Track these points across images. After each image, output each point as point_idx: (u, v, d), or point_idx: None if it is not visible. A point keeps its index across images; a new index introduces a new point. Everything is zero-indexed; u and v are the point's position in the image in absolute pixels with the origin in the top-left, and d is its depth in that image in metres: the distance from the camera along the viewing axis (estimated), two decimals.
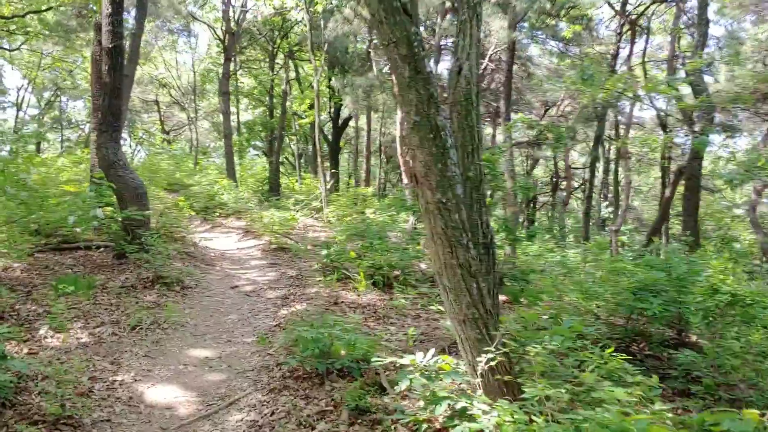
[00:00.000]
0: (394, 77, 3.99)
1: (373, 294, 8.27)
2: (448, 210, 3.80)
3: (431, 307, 7.74)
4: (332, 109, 32.80)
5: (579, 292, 6.60)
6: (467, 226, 3.86)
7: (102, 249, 11.73)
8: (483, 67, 27.55)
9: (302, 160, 39.19)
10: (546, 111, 35.44)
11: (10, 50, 33.20)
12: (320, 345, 5.16)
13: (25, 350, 6.19)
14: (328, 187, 20.51)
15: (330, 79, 32.09)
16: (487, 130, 39.63)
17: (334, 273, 9.46)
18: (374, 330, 6.75)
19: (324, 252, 9.49)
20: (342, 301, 7.96)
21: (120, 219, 10.88)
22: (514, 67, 28.83)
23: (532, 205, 39.50)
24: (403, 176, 23.68)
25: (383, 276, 8.61)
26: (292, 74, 31.29)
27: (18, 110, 42.03)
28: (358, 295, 8.30)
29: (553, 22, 27.16)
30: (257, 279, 10.38)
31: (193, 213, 16.62)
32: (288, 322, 7.22)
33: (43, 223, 11.61)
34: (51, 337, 6.53)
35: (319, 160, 20.08)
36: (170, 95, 44.70)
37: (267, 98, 31.34)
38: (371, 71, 20.31)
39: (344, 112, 33.05)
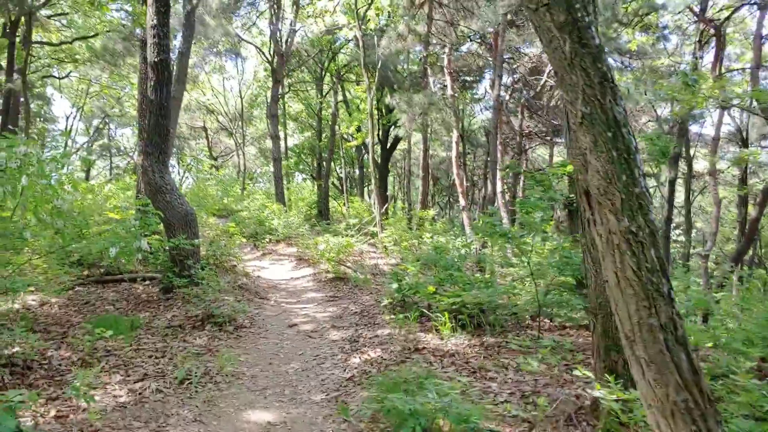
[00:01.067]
0: (550, 56, 2.80)
1: (460, 338, 6.99)
2: (641, 244, 2.55)
3: (524, 362, 6.45)
4: (380, 131, 31.89)
5: None
6: (665, 267, 2.60)
7: (148, 282, 10.78)
8: (541, 83, 26.20)
9: (347, 184, 38.35)
10: None
11: (59, 78, 33.32)
12: (421, 422, 3.92)
13: (53, 412, 5.13)
14: (383, 210, 19.39)
15: (377, 101, 31.30)
16: (539, 151, 38.18)
17: (406, 310, 8.25)
18: (471, 388, 5.48)
19: (394, 285, 8.27)
20: (423, 348, 6.70)
21: (167, 248, 9.92)
22: None
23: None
24: (460, 199, 22.42)
25: (469, 315, 7.33)
26: (340, 96, 30.47)
27: (68, 138, 42.29)
28: (442, 339, 7.04)
29: (614, 35, 25.78)
30: (317, 315, 9.23)
31: (243, 240, 15.64)
32: (363, 376, 6.02)
33: (85, 254, 10.66)
34: (83, 395, 5.46)
35: (373, 182, 18.97)
36: (218, 121, 44.60)
37: (314, 121, 30.56)
38: (426, 88, 19.21)
39: (392, 134, 32.19)
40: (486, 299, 7.04)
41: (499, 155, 22.79)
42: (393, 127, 34.10)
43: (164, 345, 7.02)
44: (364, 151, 35.42)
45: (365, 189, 44.65)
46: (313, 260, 14.15)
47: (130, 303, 9.41)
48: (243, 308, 8.31)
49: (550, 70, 24.86)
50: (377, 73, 19.64)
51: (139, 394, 5.56)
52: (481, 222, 8.18)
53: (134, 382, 5.82)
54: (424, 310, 7.85)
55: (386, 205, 21.18)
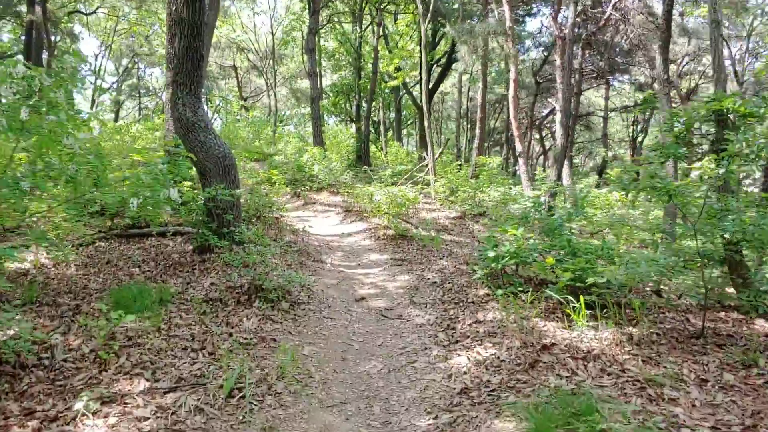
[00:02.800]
0: None
1: (599, 329, 5.18)
2: None
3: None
4: (423, 69, 29.59)
5: None
6: None
7: (180, 237, 9.14)
8: (606, 17, 23.68)
9: (381, 128, 36.31)
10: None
11: (86, 14, 31.58)
12: None
13: None
14: (437, 156, 17.45)
15: (420, 37, 28.88)
16: (587, 93, 35.65)
17: (507, 285, 6.47)
18: (651, 417, 3.71)
19: (490, 253, 6.45)
20: (553, 344, 4.92)
21: (203, 199, 8.22)
22: (638, 17, 24.90)
23: None
24: (517, 144, 20.36)
25: (607, 301, 5.50)
26: (381, 30, 28.15)
27: (96, 78, 40.81)
28: (571, 330, 5.24)
29: None
30: (387, 285, 7.49)
31: (288, 190, 13.91)
32: (482, 388, 4.28)
33: (107, 203, 8.97)
34: (93, 413, 3.82)
35: (426, 124, 17.00)
36: (248, 60, 42.66)
37: (352, 58, 28.38)
38: (488, 17, 17.00)
39: (434, 73, 29.95)
40: (628, 276, 5.18)
41: (560, 96, 20.63)
42: (435, 65, 31.86)
43: (202, 330, 5.34)
44: (403, 90, 33.23)
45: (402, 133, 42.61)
46: (365, 213, 12.39)
47: (159, 264, 7.77)
48: (298, 278, 6.57)
49: (616, 1, 22.35)
50: (431, 4, 17.40)
51: (172, 413, 3.89)
52: (624, 172, 6.27)
53: (164, 393, 4.14)
54: (548, 292, 6.01)
55: (441, 151, 19.22)
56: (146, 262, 7.82)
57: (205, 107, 8.45)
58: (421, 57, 28.91)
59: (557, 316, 5.69)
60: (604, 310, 5.56)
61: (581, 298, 5.32)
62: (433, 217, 12.84)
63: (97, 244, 8.67)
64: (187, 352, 4.88)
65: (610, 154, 36.41)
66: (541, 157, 41.61)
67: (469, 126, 40.75)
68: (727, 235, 5.53)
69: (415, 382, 4.62)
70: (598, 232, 14.03)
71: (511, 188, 15.69)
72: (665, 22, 14.51)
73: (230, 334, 5.28)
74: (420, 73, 29.81)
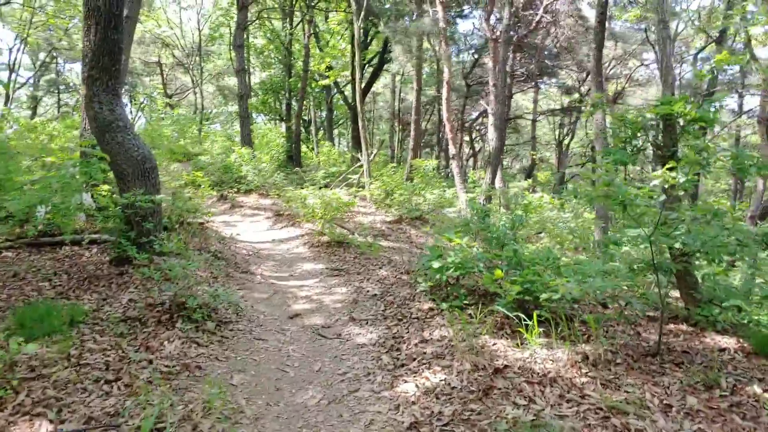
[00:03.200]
0: None
1: (552, 348, 4.85)
2: None
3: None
4: (355, 69, 29.15)
5: None
6: None
7: (96, 246, 8.38)
8: (537, 19, 23.85)
9: (311, 127, 35.70)
10: (587, 75, 31.88)
11: None
12: None
13: None
14: (371, 158, 17.03)
15: (353, 35, 28.44)
16: (516, 96, 36.00)
17: (453, 298, 6.10)
18: None
19: (434, 264, 6.05)
20: (506, 366, 4.55)
21: (120, 205, 7.52)
22: (568, 20, 25.21)
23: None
24: (450, 146, 20.21)
25: (558, 315, 5.19)
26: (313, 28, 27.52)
27: (11, 72, 38.47)
28: (522, 349, 4.89)
29: None
30: (323, 299, 6.99)
31: (213, 194, 13.19)
32: (433, 421, 3.86)
33: (14, 209, 8.15)
34: None
35: (360, 125, 16.55)
36: (173, 56, 41.22)
37: (282, 56, 27.65)
38: (422, 17, 16.71)
39: (366, 73, 29.54)
40: (589, 291, 4.89)
41: (492, 98, 20.61)
42: (368, 65, 31.43)
43: (118, 356, 4.72)
44: (335, 90, 32.71)
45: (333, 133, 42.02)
46: (298, 218, 11.85)
47: (72, 277, 7.03)
48: (225, 295, 5.99)
49: (547, 4, 22.55)
50: (364, 2, 16.96)
51: None
52: (586, 180, 5.99)
53: None
54: (496, 306, 5.65)
55: (375, 153, 18.81)
56: (58, 275, 7.06)
57: (124, 105, 7.72)
58: (354, 56, 28.50)
59: (507, 333, 5.34)
60: (557, 327, 5.25)
61: (534, 315, 4.99)
62: (370, 221, 12.43)
63: (3, 254, 7.84)
64: (99, 384, 4.26)
65: (538, 156, 36.94)
66: (471, 159, 41.83)
67: (400, 127, 40.58)
68: (678, 245, 5.32)
69: (359, 415, 4.16)
70: (536, 234, 13.96)
71: (445, 191, 15.45)
72: (599, 24, 14.57)
73: (150, 362, 4.69)
74: (352, 73, 29.40)
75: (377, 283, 7.30)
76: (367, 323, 5.99)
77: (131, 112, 49.70)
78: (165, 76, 44.05)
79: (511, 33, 25.73)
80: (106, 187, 8.14)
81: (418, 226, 12.50)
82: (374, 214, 13.50)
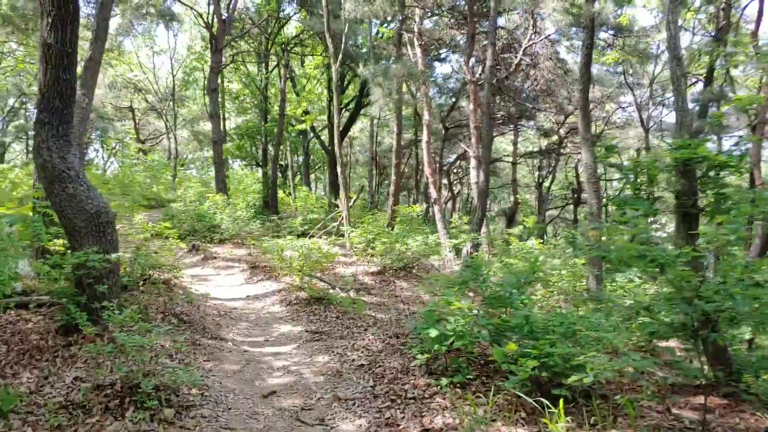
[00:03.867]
0: None
1: None
2: None
3: None
4: (332, 114, 28.67)
5: None
6: None
7: (45, 309, 7.41)
8: (517, 61, 23.55)
9: (288, 172, 35.00)
10: (566, 117, 31.74)
11: None
12: None
13: None
14: (351, 204, 16.26)
15: (330, 79, 28.00)
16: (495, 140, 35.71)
17: (457, 374, 5.25)
18: None
19: (431, 332, 5.22)
20: None
21: (69, 266, 6.62)
22: (547, 62, 25.00)
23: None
24: (431, 190, 19.55)
25: (575, 392, 4.38)
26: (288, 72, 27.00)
27: None
28: None
29: None
30: (302, 371, 6.08)
31: (182, 246, 12.28)
32: None
33: None
34: None
35: (339, 170, 15.81)
36: (146, 101, 40.49)
37: (258, 100, 27.05)
38: (401, 59, 16.19)
39: (343, 117, 29.00)
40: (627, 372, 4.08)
41: (473, 141, 20.06)
42: (344, 109, 30.95)
43: None
44: (311, 134, 32.15)
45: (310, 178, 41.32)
46: (275, 271, 10.97)
47: (12, 349, 6.07)
48: (191, 378, 5.07)
49: (526, 47, 22.25)
50: (343, 41, 16.42)
51: None
52: (593, 236, 5.24)
53: None
54: (507, 384, 4.80)
55: (355, 198, 18.06)
56: None
57: (76, 153, 6.89)
58: (331, 99, 28.02)
59: (522, 418, 4.50)
60: (584, 409, 4.43)
61: (559, 399, 4.16)
62: (351, 272, 11.58)
63: None
64: None
65: (512, 199, 36.46)
66: (450, 202, 41.28)
67: (376, 171, 40.00)
68: (706, 308, 4.57)
69: None
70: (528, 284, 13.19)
71: (427, 236, 14.70)
72: (585, 65, 14.14)
73: None
74: (329, 117, 28.89)
75: (363, 350, 6.43)
76: (354, 404, 5.09)
77: (103, 157, 48.67)
78: (137, 121, 43.22)
79: (489, 76, 25.51)
80: (61, 242, 7.27)
81: (403, 278, 11.68)
82: (355, 264, 12.67)
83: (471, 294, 6.98)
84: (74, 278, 6.57)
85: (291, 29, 30.41)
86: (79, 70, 7.57)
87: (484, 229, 19.01)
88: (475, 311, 5.34)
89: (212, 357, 6.25)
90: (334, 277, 10.98)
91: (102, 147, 48.39)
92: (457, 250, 15.53)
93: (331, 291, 9.59)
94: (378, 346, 6.46)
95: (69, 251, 6.83)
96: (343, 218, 15.52)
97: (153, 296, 8.02)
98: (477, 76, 20.31)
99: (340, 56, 16.23)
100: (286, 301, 9.08)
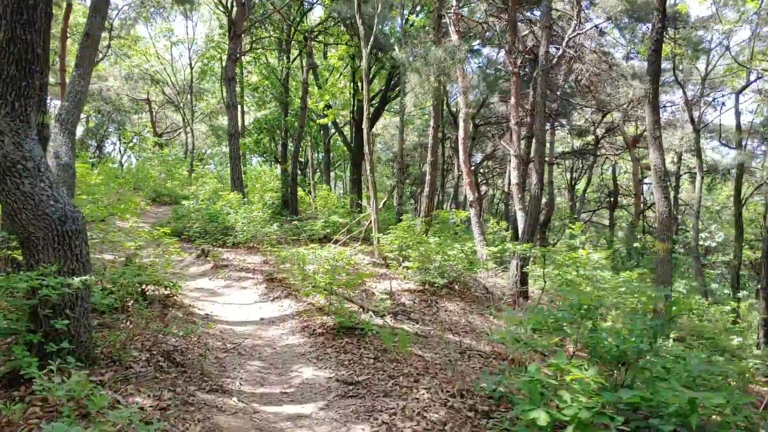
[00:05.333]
0: None
1: None
2: None
3: None
4: (354, 108, 26.94)
5: None
6: None
7: None
8: (559, 53, 21.60)
9: (308, 169, 33.36)
10: (604, 116, 29.80)
11: None
12: None
13: None
14: (380, 207, 14.44)
15: (354, 71, 26.26)
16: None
17: None
18: None
19: (536, 415, 3.40)
20: None
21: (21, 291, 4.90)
22: (592, 56, 23.10)
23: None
24: (467, 191, 17.69)
25: None
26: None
27: None
28: None
29: None
30: None
31: (185, 256, 10.56)
32: None
33: None
34: None
35: (368, 167, 14.02)
36: (163, 93, 39.11)
37: (278, 92, 25.33)
38: (441, 44, 14.37)
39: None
40: None
41: (515, 138, 18.24)
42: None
43: None
44: (333, 130, 30.48)
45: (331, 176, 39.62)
46: (294, 286, 9.20)
47: None
48: None
49: (570, 38, 20.31)
50: (375, 22, 14.64)
51: None
52: None
53: None
54: None
55: (385, 201, 16.25)
56: None
57: (35, 138, 5.14)
58: (356, 92, 26.27)
59: None
60: None
61: None
62: (385, 288, 9.77)
63: None
64: None
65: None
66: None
67: (399, 170, 38.19)
68: None
69: None
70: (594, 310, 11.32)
71: (463, 244, 12.86)
72: (655, 53, 12.26)
73: None
74: (352, 112, 27.17)
75: (419, 418, 4.62)
76: None
77: (120, 150, 47.31)
78: (154, 114, 41.88)
79: (528, 69, 23.61)
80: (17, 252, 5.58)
81: (446, 297, 9.86)
82: (388, 277, 10.86)
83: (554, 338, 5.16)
84: (28, 309, 4.84)
85: (315, 17, 28.76)
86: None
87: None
88: (599, 384, 3.52)
89: (209, 421, 4.47)
90: (364, 295, 9.19)
91: (119, 140, 47.12)
92: (496, 260, 13.70)
93: (361, 315, 7.80)
94: (440, 414, 4.64)
95: (23, 269, 5.10)
96: (370, 222, 13.73)
97: (142, 322, 6.27)
98: (518, 67, 18.50)
99: (372, 39, 14.44)
100: (308, 330, 7.28)
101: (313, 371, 5.86)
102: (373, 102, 28.11)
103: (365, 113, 14.10)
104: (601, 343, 4.18)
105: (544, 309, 5.09)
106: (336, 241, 14.28)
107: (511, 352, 6.20)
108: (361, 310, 8.03)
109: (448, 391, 5.12)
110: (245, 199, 16.91)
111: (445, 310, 9.06)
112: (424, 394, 5.06)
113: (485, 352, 7.00)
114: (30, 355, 4.50)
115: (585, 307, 4.66)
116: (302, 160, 32.64)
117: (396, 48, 16.19)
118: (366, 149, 14.07)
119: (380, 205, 14.36)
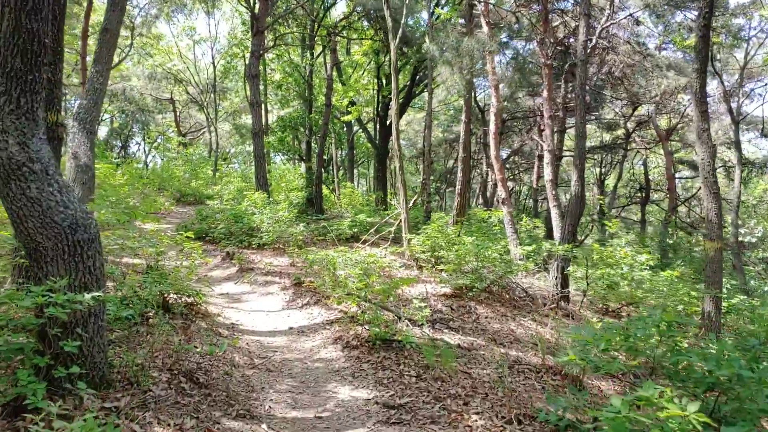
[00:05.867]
0: None
1: None
2: None
3: None
4: (379, 105, 26.40)
5: None
6: None
7: None
8: (593, 44, 20.81)
9: (332, 167, 32.90)
10: (635, 109, 28.93)
11: None
12: None
13: None
14: (410, 205, 13.85)
15: (378, 67, 25.72)
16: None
17: None
18: None
19: None
20: None
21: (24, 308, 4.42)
22: (624, 47, 22.39)
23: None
24: (499, 188, 17.03)
25: None
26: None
27: None
28: None
29: None
30: None
31: (208, 262, 10.10)
32: None
33: None
34: None
35: (397, 164, 13.45)
36: (187, 93, 38.96)
37: (302, 89, 24.85)
38: (472, 35, 13.75)
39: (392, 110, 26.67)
40: None
41: (548, 133, 17.57)
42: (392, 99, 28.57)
43: None
44: (357, 126, 30.02)
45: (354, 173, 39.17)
46: (326, 293, 8.67)
47: None
48: None
49: (602, 29, 19.53)
50: (404, 13, 14.06)
51: None
52: None
53: None
54: None
55: (415, 199, 15.66)
56: None
57: (44, 137, 4.66)
58: (380, 88, 25.74)
59: None
60: None
61: None
62: (419, 293, 9.20)
63: None
64: None
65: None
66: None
67: (427, 166, 37.57)
68: None
69: None
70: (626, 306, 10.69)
71: (496, 243, 12.24)
72: (702, 39, 11.52)
73: None
74: (376, 108, 26.65)
75: None
76: None
77: (144, 150, 47.33)
78: (178, 113, 41.77)
79: (558, 61, 22.82)
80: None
81: (484, 302, 9.26)
82: (421, 281, 10.29)
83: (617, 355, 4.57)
84: (36, 327, 4.36)
85: (338, 12, 28.30)
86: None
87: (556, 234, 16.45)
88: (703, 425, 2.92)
89: None
90: (396, 301, 8.62)
91: (143, 140, 47.13)
92: (532, 260, 13.05)
93: (397, 325, 7.24)
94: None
95: (31, 282, 4.62)
96: (399, 222, 13.17)
97: (163, 337, 5.78)
98: (550, 59, 17.82)
99: (400, 32, 13.87)
100: (341, 342, 6.74)
101: (349, 391, 5.31)
102: (399, 97, 27.54)
103: (394, 106, 13.53)
104: (691, 369, 3.57)
105: (614, 325, 4.48)
106: (364, 242, 13.75)
107: (573, 371, 5.60)
108: (395, 317, 7.48)
109: (503, 417, 4.54)
110: (270, 199, 16.46)
111: (485, 317, 8.46)
112: (476, 420, 4.49)
113: (535, 366, 6.40)
114: (36, 381, 4.01)
115: (664, 323, 4.05)
116: (326, 157, 32.20)
117: (425, 41, 15.60)
118: (395, 145, 13.50)
119: (410, 204, 13.76)
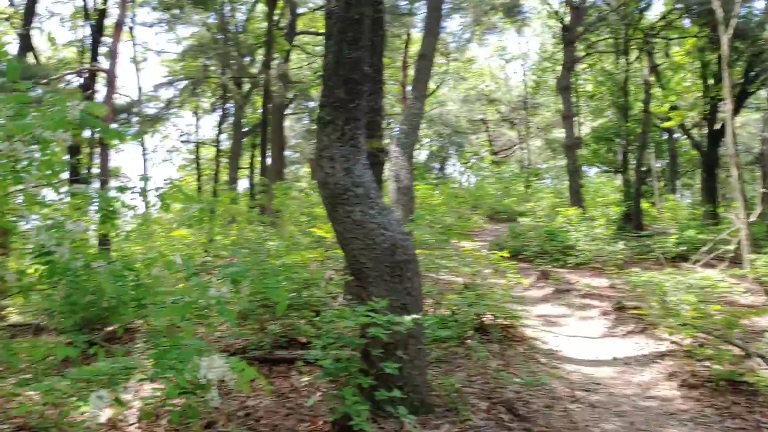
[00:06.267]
0: None
1: None
2: None
3: None
4: (706, 107, 23.65)
5: None
6: None
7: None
8: None
9: (652, 179, 30.30)
10: None
11: None
12: None
13: None
14: (750, 219, 11.96)
15: (705, 65, 23.12)
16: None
17: None
18: None
19: None
20: None
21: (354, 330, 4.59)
22: None
23: None
24: None
25: None
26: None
27: None
28: None
29: None
30: None
31: (524, 282, 9.80)
32: None
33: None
34: None
35: (733, 172, 11.75)
36: (498, 112, 39.78)
37: (616, 96, 23.43)
38: None
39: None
40: None
41: None
42: (720, 101, 25.42)
43: None
44: (680, 134, 27.39)
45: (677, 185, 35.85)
46: (649, 318, 7.78)
47: None
48: None
49: None
50: (736, 7, 12.31)
51: None
52: None
53: None
54: None
55: (760, 213, 13.60)
56: None
57: (366, 163, 4.85)
58: (708, 87, 23.12)
59: None
60: None
61: None
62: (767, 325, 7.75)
63: None
64: None
65: None
66: None
67: (762, 173, 32.68)
68: None
69: None
70: None
71: None
72: None
73: None
74: (704, 110, 23.94)
75: None
76: None
77: (459, 171, 49.53)
78: (490, 132, 42.85)
79: None
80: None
81: None
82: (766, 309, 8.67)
83: None
84: (361, 348, 4.48)
85: (654, 13, 26.22)
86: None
87: None
88: None
89: None
90: (743, 332, 7.33)
91: (458, 160, 49.27)
92: None
93: (747, 362, 6.10)
94: None
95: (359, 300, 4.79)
96: (740, 239, 11.42)
97: (480, 362, 5.62)
98: None
99: (732, 24, 12.14)
100: (675, 379, 5.86)
101: None
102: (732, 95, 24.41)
103: (728, 105, 11.85)
104: None
105: None
106: (695, 262, 12.24)
107: None
108: (745, 355, 6.32)
109: None
110: (585, 214, 15.68)
111: None
112: None
113: None
114: (360, 401, 4.08)
115: None
116: (644, 168, 29.94)
117: (762, 31, 13.44)
118: (729, 150, 11.82)
119: (752, 217, 11.85)
